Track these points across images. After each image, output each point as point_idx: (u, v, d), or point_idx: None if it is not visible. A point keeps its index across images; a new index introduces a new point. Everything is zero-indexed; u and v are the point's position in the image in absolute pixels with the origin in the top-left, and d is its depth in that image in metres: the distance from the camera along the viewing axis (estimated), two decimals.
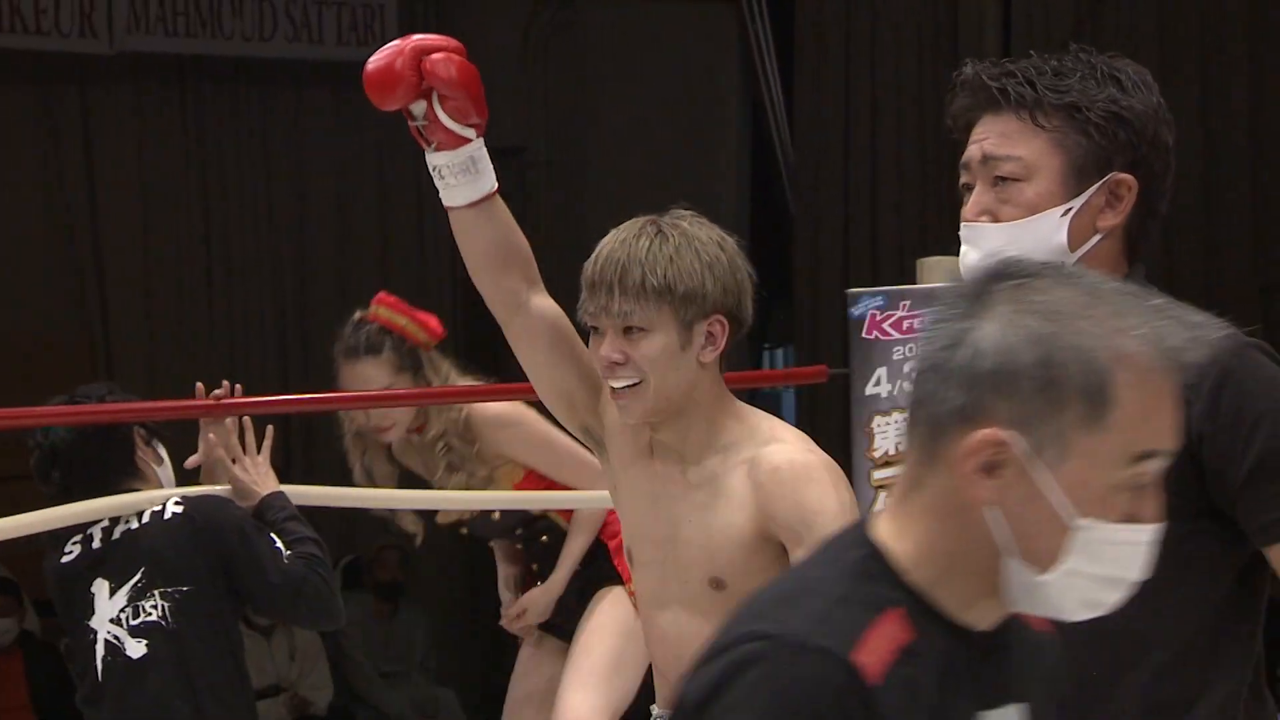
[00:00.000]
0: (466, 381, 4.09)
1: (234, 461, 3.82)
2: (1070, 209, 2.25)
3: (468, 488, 4.01)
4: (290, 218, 8.66)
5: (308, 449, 8.09)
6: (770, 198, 9.34)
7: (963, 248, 2.31)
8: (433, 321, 4.01)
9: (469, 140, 2.70)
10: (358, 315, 4.03)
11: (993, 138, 2.28)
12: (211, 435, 3.79)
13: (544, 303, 2.78)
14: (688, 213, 2.77)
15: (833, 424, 8.41)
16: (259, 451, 3.84)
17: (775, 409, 8.86)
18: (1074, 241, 2.25)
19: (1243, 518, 2.17)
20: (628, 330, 2.69)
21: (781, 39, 9.06)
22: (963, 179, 2.33)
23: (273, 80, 8.52)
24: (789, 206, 9.19)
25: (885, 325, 4.21)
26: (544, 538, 4.20)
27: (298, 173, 8.65)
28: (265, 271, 8.63)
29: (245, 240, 8.59)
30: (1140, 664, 2.20)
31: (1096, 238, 2.26)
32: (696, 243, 2.71)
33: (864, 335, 4.28)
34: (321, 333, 8.76)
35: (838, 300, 8.24)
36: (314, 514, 4.07)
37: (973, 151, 2.31)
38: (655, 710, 2.86)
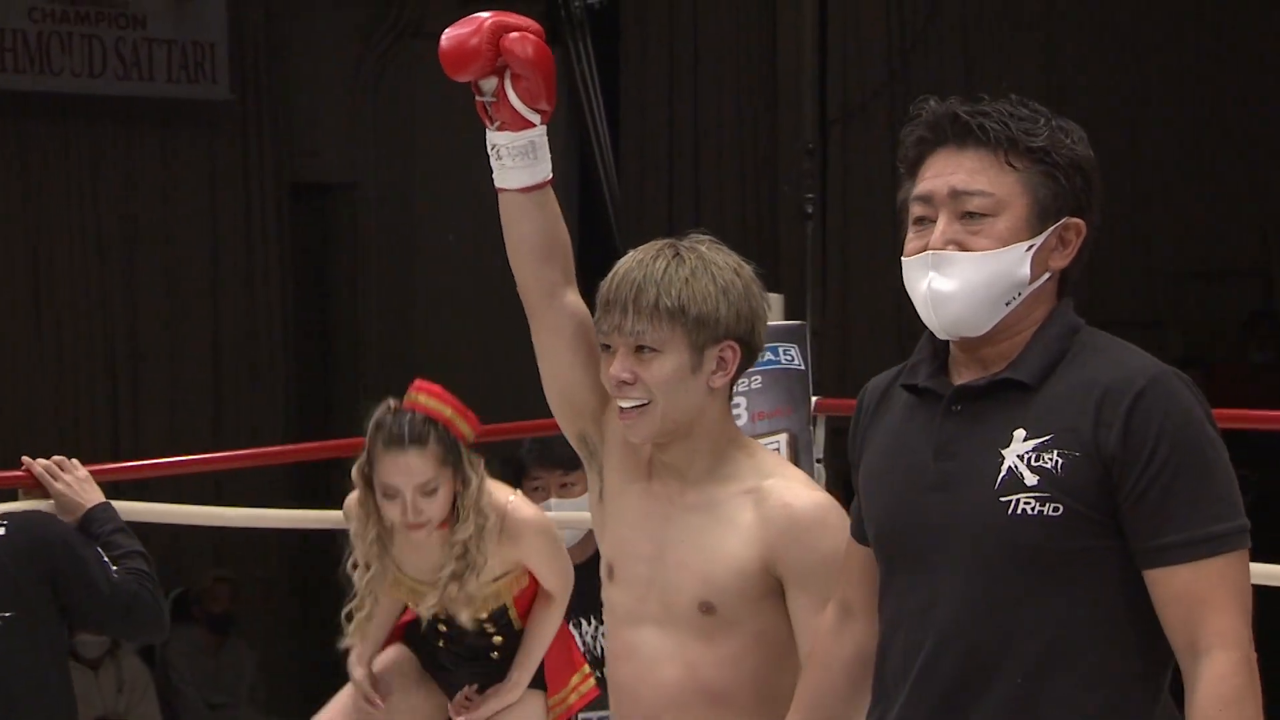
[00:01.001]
0: (497, 486, 3.82)
1: (54, 477, 3.76)
2: (1034, 245, 2.32)
3: (463, 592, 3.76)
4: (120, 253, 8.57)
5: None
6: (597, 232, 9.38)
7: (929, 275, 2.33)
8: (473, 416, 3.84)
9: (533, 125, 2.70)
10: (393, 403, 3.78)
11: (962, 173, 2.33)
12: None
13: (576, 301, 2.74)
14: (706, 238, 2.74)
15: None
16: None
17: None
18: (1033, 276, 2.32)
19: (1130, 540, 2.25)
20: (639, 350, 2.66)
21: (606, 75, 9.11)
22: (918, 211, 2.37)
23: (102, 117, 8.43)
24: (615, 240, 9.24)
25: None
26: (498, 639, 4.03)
27: (127, 208, 8.56)
28: (94, 306, 8.52)
29: (75, 275, 8.48)
30: (1061, 670, 2.26)
31: (1046, 275, 2.34)
32: (713, 267, 2.68)
33: None
34: (152, 367, 8.71)
35: None
36: (144, 544, 4.03)
37: (936, 185, 2.35)
38: None
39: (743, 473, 2.71)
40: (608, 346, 2.69)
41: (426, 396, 3.77)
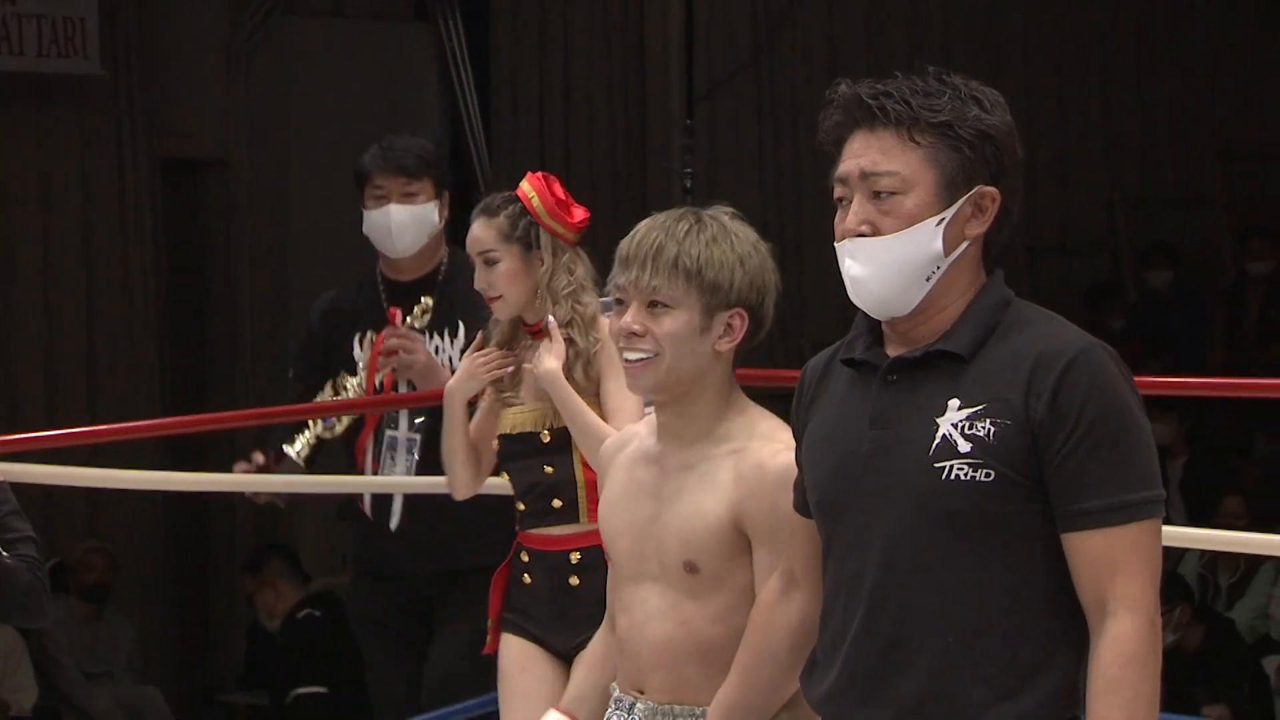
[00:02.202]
0: (592, 296, 3.83)
1: None
2: (944, 219, 2.36)
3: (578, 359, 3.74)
4: None
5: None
6: (468, 209, 9.34)
7: (846, 261, 2.39)
8: (576, 215, 3.82)
9: None
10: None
11: (871, 154, 2.38)
12: None
13: None
14: (729, 209, 2.79)
15: None
16: None
17: None
18: (947, 248, 2.37)
19: (1052, 504, 2.31)
20: (652, 305, 2.70)
21: (477, 57, 9.08)
22: (837, 193, 2.41)
23: None
24: None
25: None
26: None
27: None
28: None
29: None
30: (990, 630, 2.32)
31: (965, 244, 2.38)
32: (733, 236, 2.73)
33: None
34: (24, 338, 8.57)
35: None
36: None
37: (850, 167, 2.39)
38: (615, 691, 2.81)
39: (735, 434, 2.75)
40: (621, 301, 2.74)
41: (528, 180, 3.85)
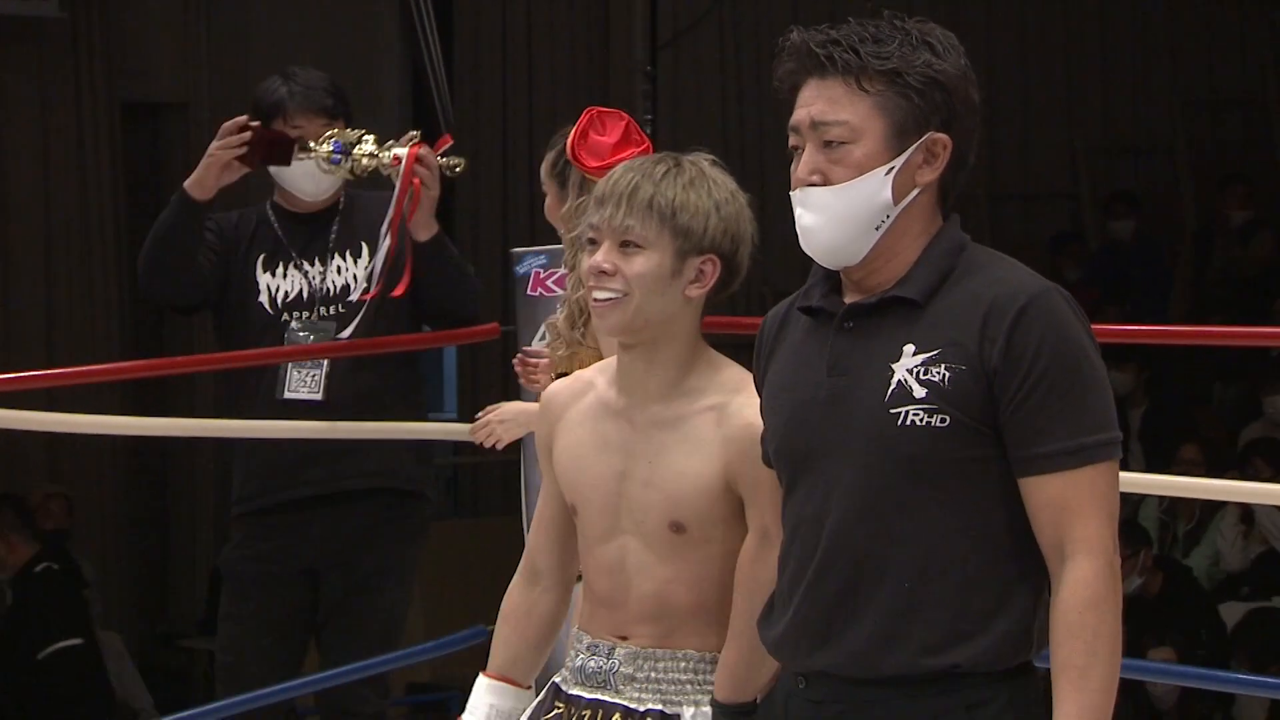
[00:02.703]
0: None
1: None
2: (893, 168, 2.35)
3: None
4: None
5: None
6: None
7: (797, 210, 2.38)
8: (590, 162, 3.74)
9: None
10: None
11: (820, 103, 2.36)
12: None
13: None
14: (710, 156, 2.75)
15: (493, 377, 8.45)
16: None
17: (437, 364, 8.86)
18: (897, 197, 2.36)
19: (1008, 449, 2.31)
20: (624, 245, 2.66)
21: (440, 2, 9.03)
22: (791, 141, 2.40)
23: None
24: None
25: (549, 282, 4.27)
26: None
27: None
28: None
29: None
30: (945, 574, 2.32)
31: (915, 191, 2.37)
32: (711, 182, 2.68)
33: (528, 293, 4.33)
34: None
35: (498, 259, 8.29)
36: None
37: (801, 116, 2.38)
38: (585, 638, 2.76)
39: (709, 388, 2.71)
40: (594, 241, 2.70)
41: (584, 114, 3.74)
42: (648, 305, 2.67)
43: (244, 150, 4.31)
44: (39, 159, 8.50)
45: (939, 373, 2.31)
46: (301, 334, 4.44)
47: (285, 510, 4.45)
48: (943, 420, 2.30)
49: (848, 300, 2.40)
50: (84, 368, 4.81)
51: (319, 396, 4.42)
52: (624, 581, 2.70)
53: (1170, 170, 10.61)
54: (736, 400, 2.68)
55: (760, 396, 2.51)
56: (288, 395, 4.41)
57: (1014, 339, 2.29)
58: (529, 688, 2.85)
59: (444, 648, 4.60)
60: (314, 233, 4.52)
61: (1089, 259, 9.67)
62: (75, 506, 8.03)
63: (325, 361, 4.42)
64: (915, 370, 2.32)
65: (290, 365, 4.42)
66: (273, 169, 4.50)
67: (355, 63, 9.26)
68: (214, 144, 4.40)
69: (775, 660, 2.49)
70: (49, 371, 4.57)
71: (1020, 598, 2.34)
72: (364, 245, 4.49)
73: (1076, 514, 2.29)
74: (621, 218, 2.66)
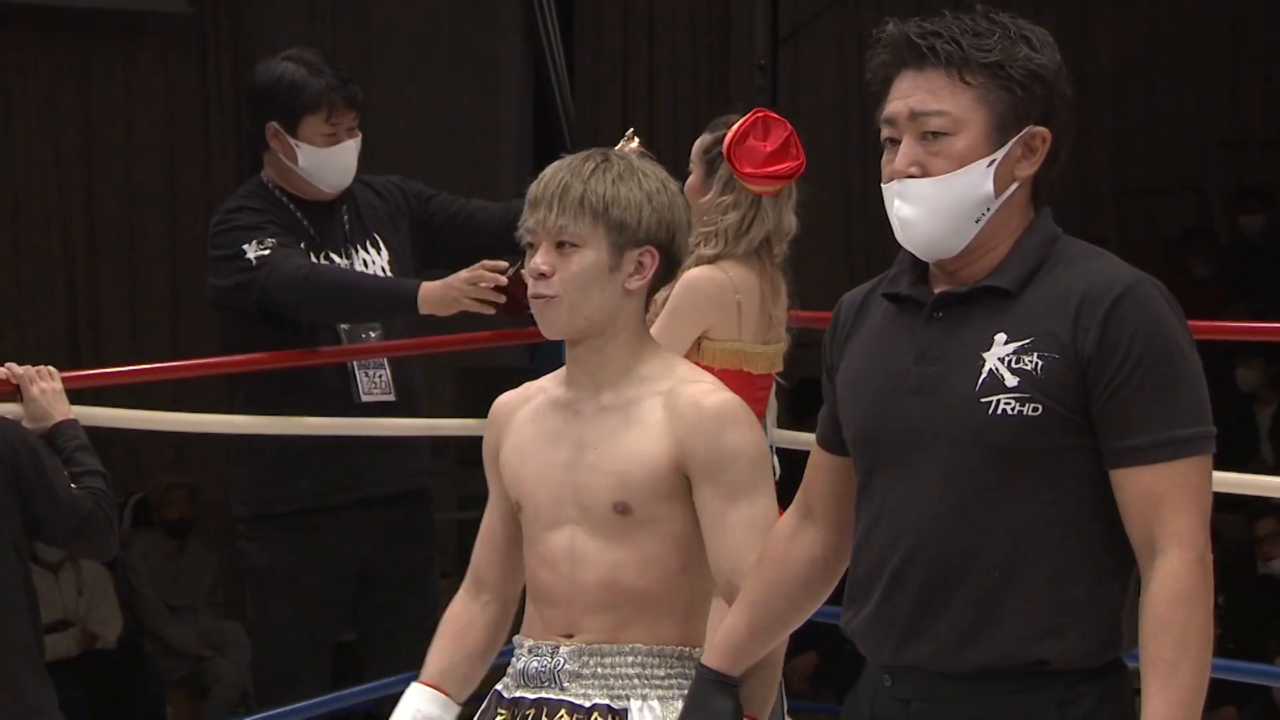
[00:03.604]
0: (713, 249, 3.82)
1: (30, 383, 3.77)
2: (995, 160, 2.34)
3: None
4: (79, 165, 8.50)
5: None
6: (552, 153, 9.33)
7: (895, 203, 2.37)
8: (745, 167, 3.76)
9: None
10: None
11: (920, 94, 2.35)
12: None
13: None
14: (638, 150, 2.78)
15: None
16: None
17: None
18: (998, 189, 2.35)
19: (1099, 440, 2.29)
20: (560, 245, 2.67)
21: None
22: (885, 134, 2.40)
23: (61, 28, 8.34)
24: None
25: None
26: None
27: (86, 121, 8.48)
28: (54, 237, 8.46)
29: (36, 188, 8.41)
30: (1035, 566, 2.30)
31: (1015, 185, 2.36)
32: (640, 174, 2.69)
33: None
34: (109, 272, 8.64)
35: None
36: (104, 450, 4.01)
37: (898, 107, 2.37)
38: (528, 642, 2.75)
39: (657, 375, 2.72)
40: (532, 245, 2.71)
41: (752, 114, 3.82)
42: (586, 302, 2.68)
43: (504, 301, 4.12)
44: (166, 153, 8.61)
45: (1031, 361, 2.29)
46: (365, 333, 4.39)
47: (336, 510, 4.38)
48: (1035, 409, 2.28)
49: (937, 290, 2.39)
50: (204, 360, 4.82)
51: (392, 397, 4.40)
52: (569, 572, 2.69)
53: None
54: (683, 384, 2.69)
55: (834, 381, 2.49)
56: (365, 399, 4.37)
57: (1108, 328, 2.27)
58: (461, 703, 2.83)
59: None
60: (331, 221, 4.46)
61: (1218, 254, 9.54)
62: (199, 496, 8.12)
63: (385, 361, 4.39)
64: (1007, 359, 2.30)
65: (357, 367, 4.38)
66: (304, 160, 4.37)
67: (477, 56, 9.31)
68: (466, 285, 4.16)
69: (862, 649, 2.45)
70: (169, 364, 4.59)
71: (1110, 591, 2.32)
72: (379, 238, 4.47)
73: (1168, 508, 2.27)
74: (554, 218, 2.67)
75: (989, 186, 2.34)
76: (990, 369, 2.30)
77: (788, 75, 9.29)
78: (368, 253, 4.46)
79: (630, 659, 2.68)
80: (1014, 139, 2.35)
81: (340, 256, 4.43)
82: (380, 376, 4.40)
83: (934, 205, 2.34)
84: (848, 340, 2.47)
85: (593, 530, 2.69)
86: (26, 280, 8.47)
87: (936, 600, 2.33)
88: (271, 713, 4.27)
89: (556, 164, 2.73)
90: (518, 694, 2.73)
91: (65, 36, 8.37)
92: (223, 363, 4.42)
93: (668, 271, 2.74)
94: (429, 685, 2.82)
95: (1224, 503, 6.75)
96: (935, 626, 2.33)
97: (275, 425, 4.30)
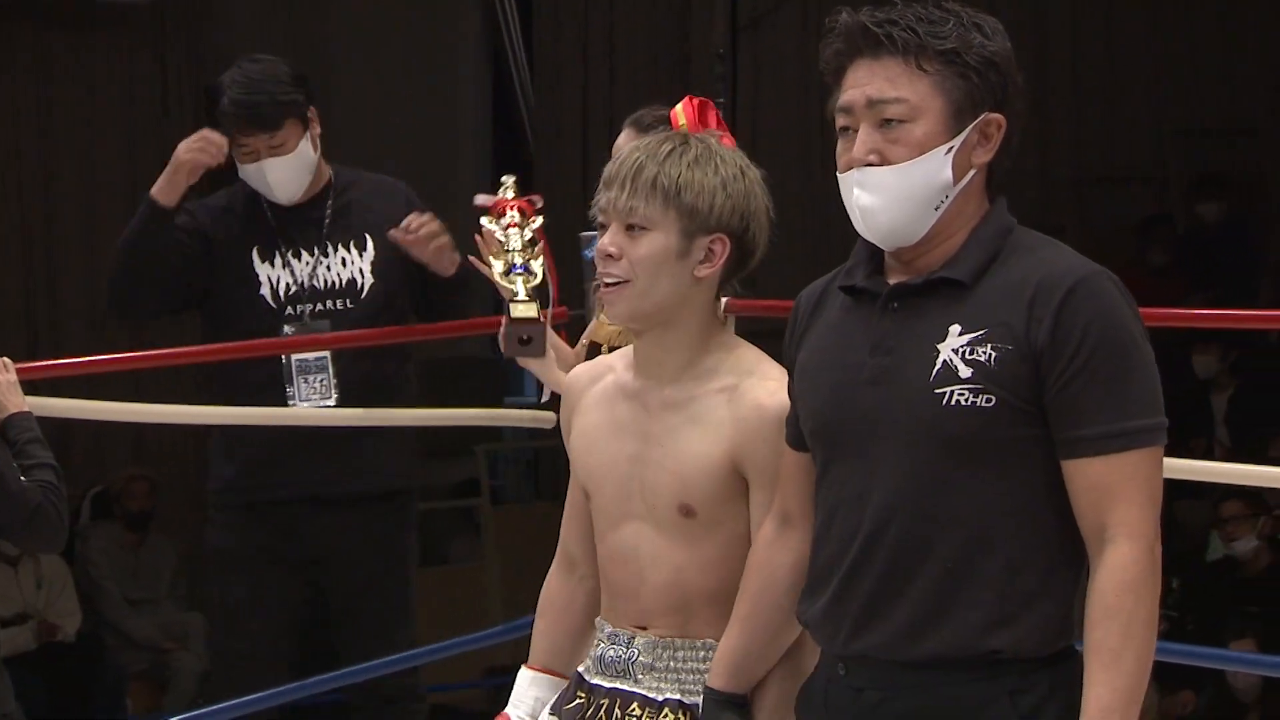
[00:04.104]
0: None
1: None
2: (953, 147, 2.35)
3: None
4: (34, 154, 8.46)
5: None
6: (511, 140, 9.33)
7: (854, 191, 2.36)
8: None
9: None
10: None
11: (877, 82, 2.35)
12: None
13: None
14: (718, 134, 2.71)
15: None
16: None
17: None
18: (956, 176, 2.36)
19: (1052, 431, 2.30)
20: (630, 228, 2.61)
21: None
22: (841, 122, 2.39)
23: (15, 17, 8.29)
24: (529, 149, 9.19)
25: None
26: None
27: (43, 108, 8.44)
28: (11, 232, 8.43)
29: None
30: (989, 556, 2.31)
31: (972, 172, 2.37)
32: (717, 159, 2.62)
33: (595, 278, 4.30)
34: (68, 264, 8.61)
35: (576, 243, 8.24)
36: (64, 442, 3.99)
37: (855, 96, 2.37)
38: (606, 627, 2.72)
39: (722, 369, 2.65)
40: (603, 225, 2.65)
41: (683, 103, 3.66)
42: (654, 288, 2.61)
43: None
44: (123, 142, 8.57)
45: (985, 352, 2.30)
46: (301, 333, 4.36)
47: (281, 505, 4.39)
48: (989, 400, 2.29)
49: (893, 281, 2.39)
50: (157, 351, 4.80)
51: (332, 401, 4.37)
52: (638, 570, 2.66)
53: (1259, 153, 10.50)
54: (748, 381, 2.63)
55: (792, 376, 2.49)
56: (303, 404, 4.35)
57: (1061, 319, 2.28)
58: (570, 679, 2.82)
59: (523, 629, 4.59)
60: (307, 221, 4.44)
61: (1176, 242, 9.57)
62: (159, 488, 8.10)
63: (329, 365, 4.35)
64: (961, 350, 2.31)
65: (297, 375, 4.35)
66: (239, 171, 4.39)
67: (435, 45, 9.29)
68: (182, 146, 4.32)
69: (814, 644, 2.47)
70: (122, 355, 4.59)
71: (1063, 581, 2.33)
72: (367, 238, 4.44)
73: (1118, 498, 2.27)
74: (626, 199, 2.60)
75: (948, 173, 2.34)
76: (944, 360, 2.31)
77: (747, 64, 9.28)
78: (348, 251, 4.44)
79: (702, 654, 2.64)
80: (970, 126, 2.35)
81: (310, 255, 4.41)
82: (320, 381, 4.37)
83: (894, 193, 2.34)
84: (805, 334, 2.47)
85: (658, 528, 2.65)
86: None
87: (892, 590, 2.34)
88: (233, 702, 4.26)
89: (633, 144, 2.67)
90: (595, 680, 2.71)
91: (22, 26, 8.32)
92: (176, 354, 4.41)
93: (741, 261, 2.65)
94: (540, 670, 2.81)
95: (1181, 489, 6.82)
96: (890, 616, 2.34)
97: (235, 415, 4.29)
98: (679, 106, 3.70)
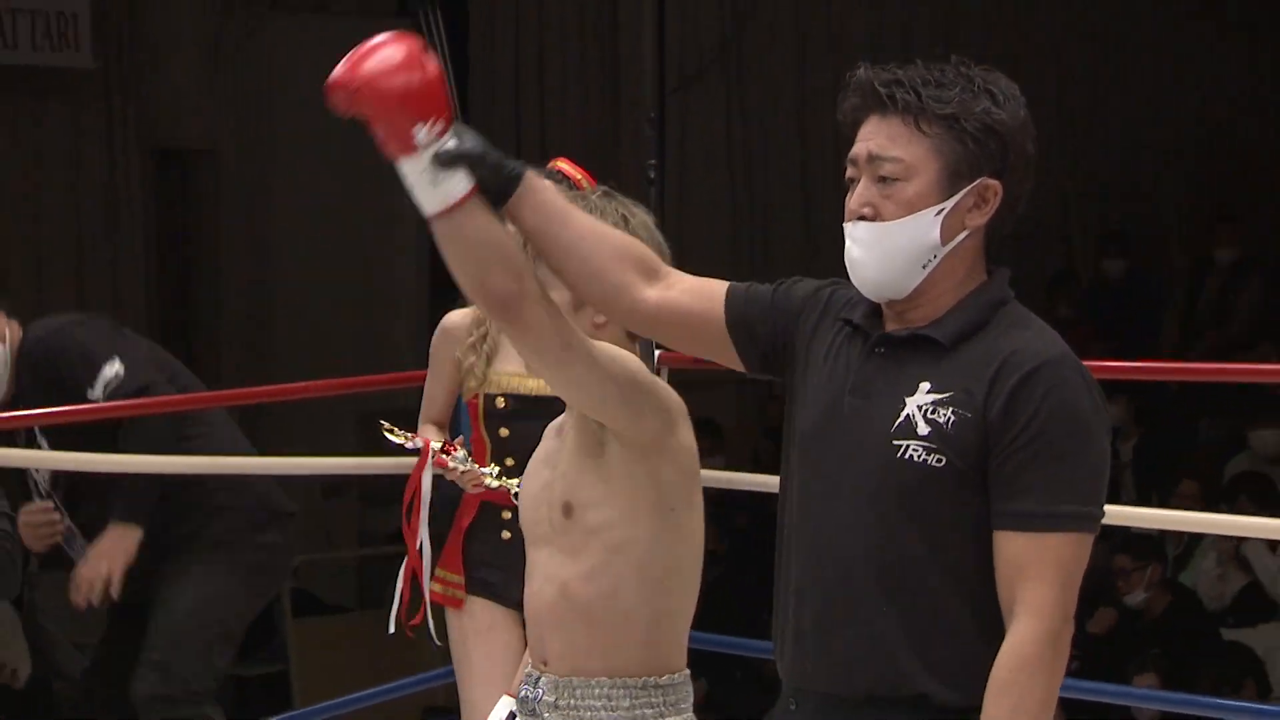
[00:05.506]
0: None
1: None
2: (944, 209, 2.33)
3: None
4: None
5: None
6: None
7: (848, 243, 2.36)
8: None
9: (412, 151, 2.35)
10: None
11: (879, 139, 2.35)
12: None
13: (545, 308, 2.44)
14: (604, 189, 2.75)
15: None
16: None
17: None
18: (945, 237, 2.34)
19: (990, 500, 2.29)
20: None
21: (455, 50, 9.07)
22: (848, 173, 2.39)
23: None
24: None
25: None
26: None
27: None
28: None
29: None
30: (921, 606, 2.30)
31: (964, 234, 2.35)
32: (610, 208, 2.66)
33: None
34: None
35: None
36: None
37: (859, 150, 2.37)
38: (527, 664, 2.72)
39: None
40: None
41: (567, 163, 3.86)
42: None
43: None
44: (71, 202, 8.54)
45: (945, 415, 2.30)
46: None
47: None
48: (939, 460, 2.29)
49: (887, 327, 2.39)
50: (109, 403, 4.80)
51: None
52: (535, 590, 2.67)
53: (1159, 211, 10.63)
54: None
55: (804, 356, 2.44)
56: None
57: (1016, 397, 2.27)
58: None
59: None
60: None
61: (1082, 296, 9.67)
62: None
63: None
64: (924, 408, 2.31)
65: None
66: None
67: None
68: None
69: (779, 668, 2.46)
70: (75, 408, 4.57)
71: (991, 641, 2.30)
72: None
73: (1032, 577, 2.26)
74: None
75: (935, 235, 2.33)
76: (908, 414, 2.31)
77: (676, 125, 9.33)
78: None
79: (596, 691, 2.64)
80: (965, 189, 2.34)
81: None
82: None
83: (881, 249, 2.34)
84: (816, 329, 2.44)
85: (553, 548, 2.70)
86: None
87: (830, 628, 2.34)
88: None
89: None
90: None
91: None
92: (127, 406, 4.39)
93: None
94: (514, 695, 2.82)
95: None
96: (832, 650, 2.34)
97: (177, 465, 4.30)
98: (567, 165, 3.79)
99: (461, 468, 3.79)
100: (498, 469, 3.79)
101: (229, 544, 4.56)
